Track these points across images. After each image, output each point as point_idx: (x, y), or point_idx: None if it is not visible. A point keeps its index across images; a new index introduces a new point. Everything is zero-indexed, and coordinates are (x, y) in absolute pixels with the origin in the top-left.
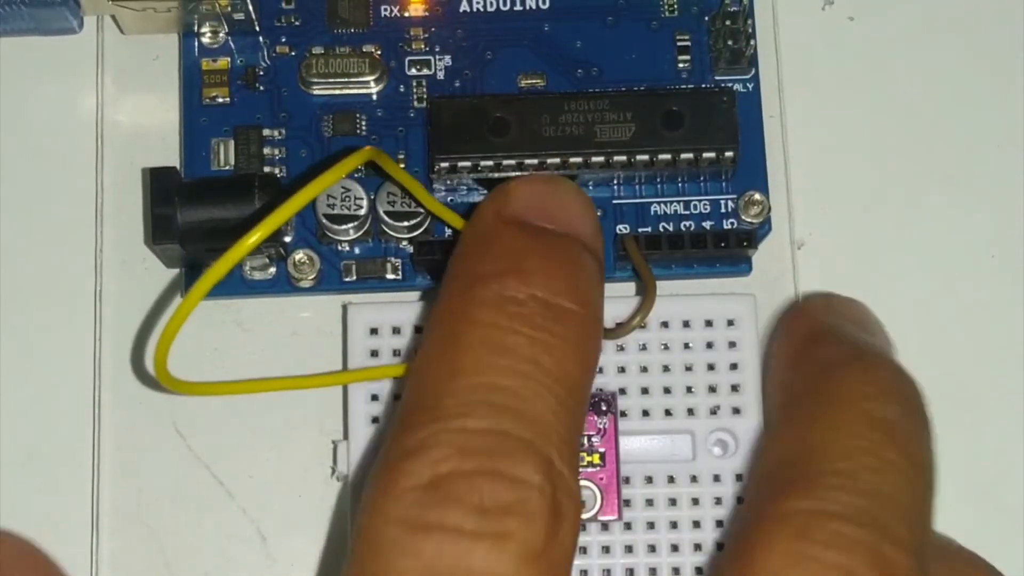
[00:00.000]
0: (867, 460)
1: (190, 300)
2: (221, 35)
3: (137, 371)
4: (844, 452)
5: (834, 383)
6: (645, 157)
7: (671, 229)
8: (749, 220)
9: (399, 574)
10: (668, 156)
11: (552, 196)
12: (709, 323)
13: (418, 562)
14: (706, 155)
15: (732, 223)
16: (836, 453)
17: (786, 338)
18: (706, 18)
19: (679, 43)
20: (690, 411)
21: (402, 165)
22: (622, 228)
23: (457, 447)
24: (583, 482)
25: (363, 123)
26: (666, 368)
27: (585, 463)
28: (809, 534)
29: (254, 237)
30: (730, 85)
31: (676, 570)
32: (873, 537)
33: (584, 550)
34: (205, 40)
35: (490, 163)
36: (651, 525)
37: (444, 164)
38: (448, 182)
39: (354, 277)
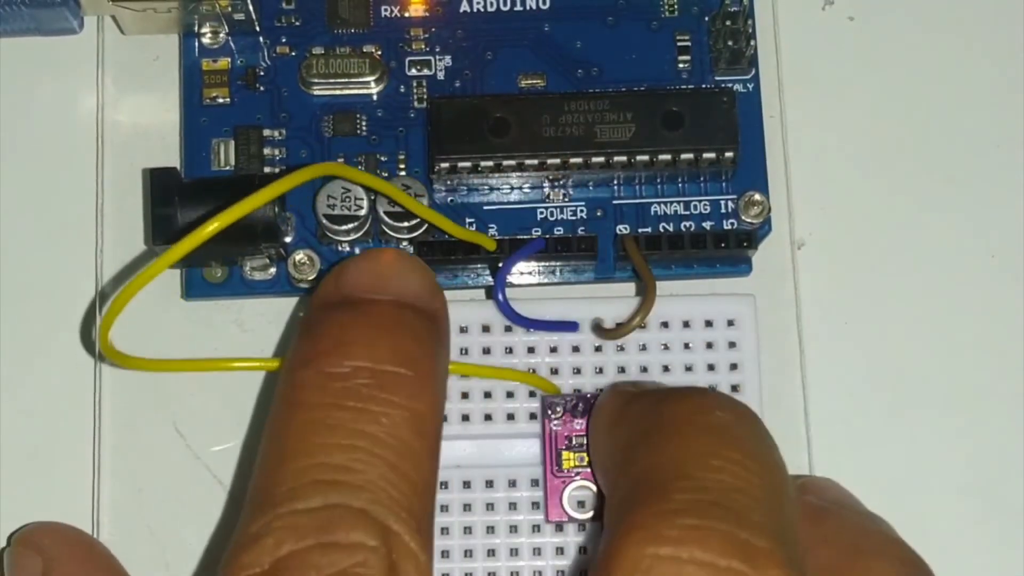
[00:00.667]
0: (711, 462)
1: (144, 276)
2: (221, 35)
3: (137, 371)
4: (685, 460)
5: (665, 408)
6: (645, 157)
7: (671, 229)
8: (749, 220)
9: None
10: (668, 156)
11: (376, 267)
12: (709, 323)
13: None
14: (706, 155)
15: (732, 223)
16: (678, 463)
17: (601, 414)
18: (706, 18)
19: (679, 43)
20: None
21: (402, 165)
22: (622, 228)
23: (291, 529)
24: (584, 482)
25: (363, 123)
26: (666, 368)
27: (585, 463)
28: (659, 535)
29: (212, 226)
30: (730, 85)
31: None
32: (726, 525)
33: (583, 550)
34: (205, 40)
35: (490, 163)
36: None
37: (444, 164)
38: (448, 182)
39: None
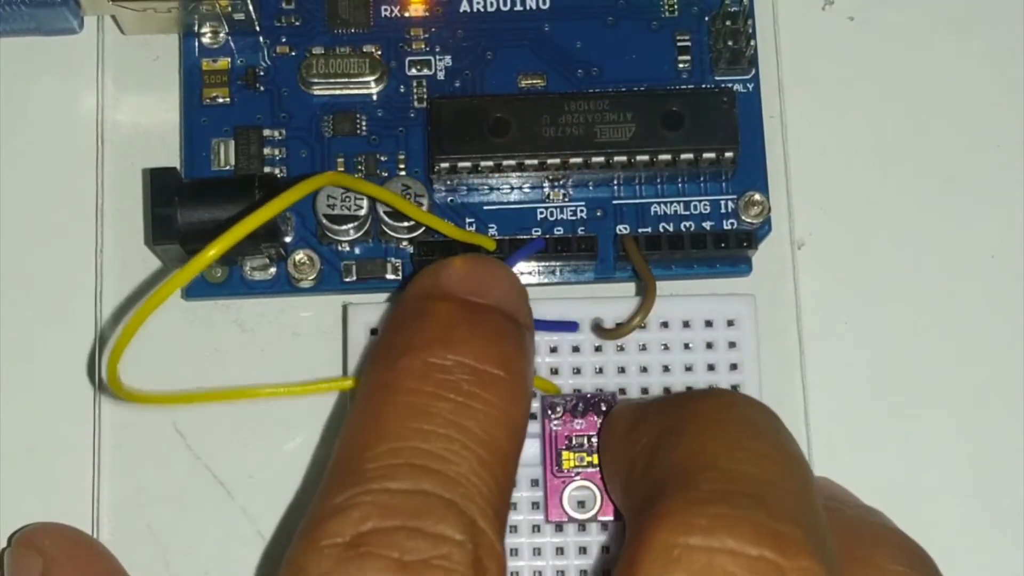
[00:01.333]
0: (737, 453)
1: (145, 308)
2: (221, 35)
3: (137, 371)
4: (712, 452)
5: (687, 407)
6: (645, 157)
7: (671, 229)
8: (749, 220)
9: None
10: (668, 156)
11: (478, 272)
12: (709, 323)
13: None
14: (706, 155)
15: (732, 223)
16: (705, 455)
17: (616, 422)
18: (706, 18)
19: (679, 43)
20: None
21: (402, 165)
22: (622, 228)
23: (379, 507)
24: (584, 482)
25: (363, 123)
26: (666, 368)
27: (585, 463)
28: (689, 523)
29: (212, 251)
30: (730, 85)
31: None
32: (757, 514)
33: (583, 550)
34: (205, 40)
35: (490, 163)
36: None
37: (444, 164)
38: (448, 182)
39: (354, 277)
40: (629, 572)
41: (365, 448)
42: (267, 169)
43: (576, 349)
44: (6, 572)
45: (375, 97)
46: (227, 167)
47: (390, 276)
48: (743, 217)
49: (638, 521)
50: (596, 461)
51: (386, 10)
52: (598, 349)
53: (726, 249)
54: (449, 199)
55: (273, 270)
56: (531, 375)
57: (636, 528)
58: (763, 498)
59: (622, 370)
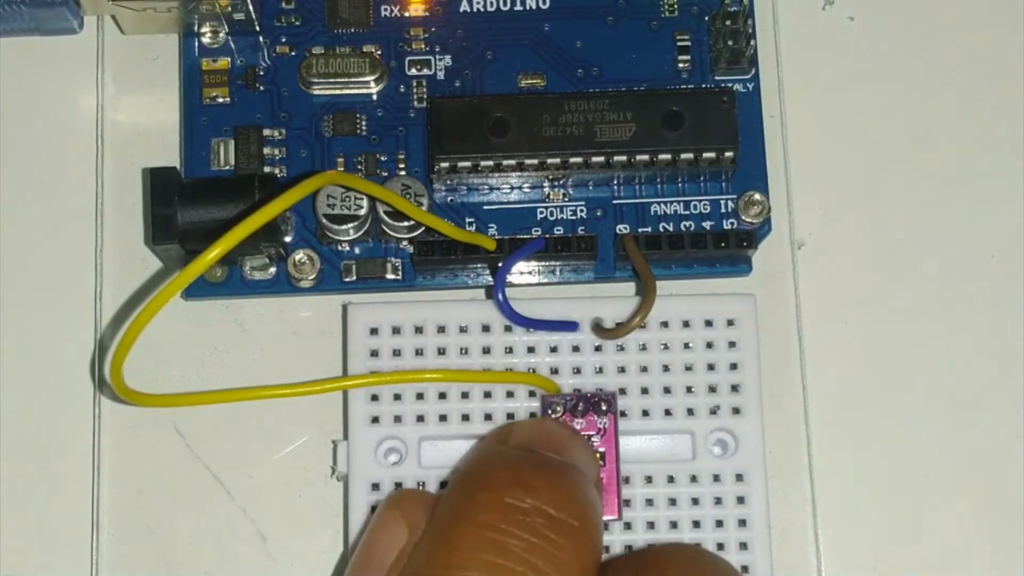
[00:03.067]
0: None
1: (149, 310)
2: (221, 35)
3: (137, 371)
4: None
5: (654, 554)
6: (645, 157)
7: (671, 229)
8: (749, 220)
9: None
10: (668, 156)
11: (553, 431)
12: (709, 323)
13: None
14: (706, 155)
15: (732, 223)
16: None
17: None
18: (706, 18)
19: (679, 43)
20: (690, 411)
21: (402, 165)
22: (622, 228)
23: None
24: None
25: (363, 123)
26: (666, 368)
27: None
28: None
29: (213, 253)
30: (730, 85)
31: None
32: None
33: None
34: (205, 40)
35: (490, 163)
36: (651, 525)
37: (444, 164)
38: (448, 182)
39: (354, 277)
40: None
41: (434, 570)
42: (267, 169)
43: (576, 349)
44: (369, 525)
45: (375, 97)
46: (227, 167)
47: (390, 276)
48: (743, 217)
49: None
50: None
51: (386, 10)
52: (598, 349)
53: (726, 249)
54: (449, 199)
55: (273, 270)
56: (602, 528)
57: None
58: None
59: (622, 370)
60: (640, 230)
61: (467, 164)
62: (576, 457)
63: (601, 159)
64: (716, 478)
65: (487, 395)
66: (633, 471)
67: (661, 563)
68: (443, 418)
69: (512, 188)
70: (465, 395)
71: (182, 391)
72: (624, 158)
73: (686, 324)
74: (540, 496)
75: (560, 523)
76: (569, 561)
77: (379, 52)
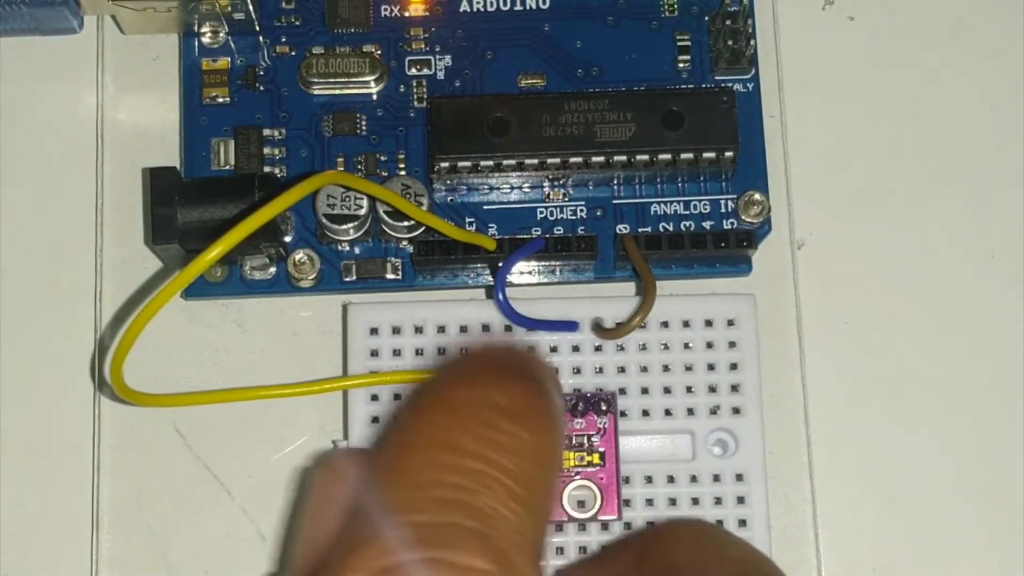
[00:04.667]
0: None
1: (148, 310)
2: (221, 35)
3: (137, 371)
4: (701, 552)
5: (659, 530)
6: (645, 157)
7: (671, 229)
8: (749, 220)
9: None
10: (668, 156)
11: (505, 347)
12: (709, 323)
13: None
14: (706, 155)
15: (732, 223)
16: (692, 557)
17: None
18: (706, 18)
19: (679, 43)
20: (690, 411)
21: (402, 165)
22: (622, 228)
23: (402, 540)
24: (584, 482)
25: (363, 123)
26: (666, 368)
27: (585, 463)
28: None
29: (213, 253)
30: (730, 85)
31: None
32: None
33: (584, 550)
34: (205, 40)
35: (490, 163)
36: (651, 525)
37: (444, 164)
38: (448, 182)
39: (354, 277)
40: None
41: (388, 483)
42: (267, 169)
43: (576, 349)
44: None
45: (375, 97)
46: (227, 167)
47: (390, 276)
48: (743, 217)
49: None
50: (596, 461)
51: (386, 10)
52: (598, 349)
53: (726, 249)
54: (449, 199)
55: (273, 270)
56: (562, 414)
57: None
58: None
59: (622, 370)
60: (640, 230)
61: (467, 164)
62: (528, 358)
63: (601, 159)
64: (716, 478)
65: None
66: (633, 471)
67: (664, 539)
68: None
69: (512, 188)
70: None
71: (182, 391)
72: (624, 158)
73: (686, 324)
74: (489, 387)
75: (512, 411)
76: (525, 448)
77: (379, 52)
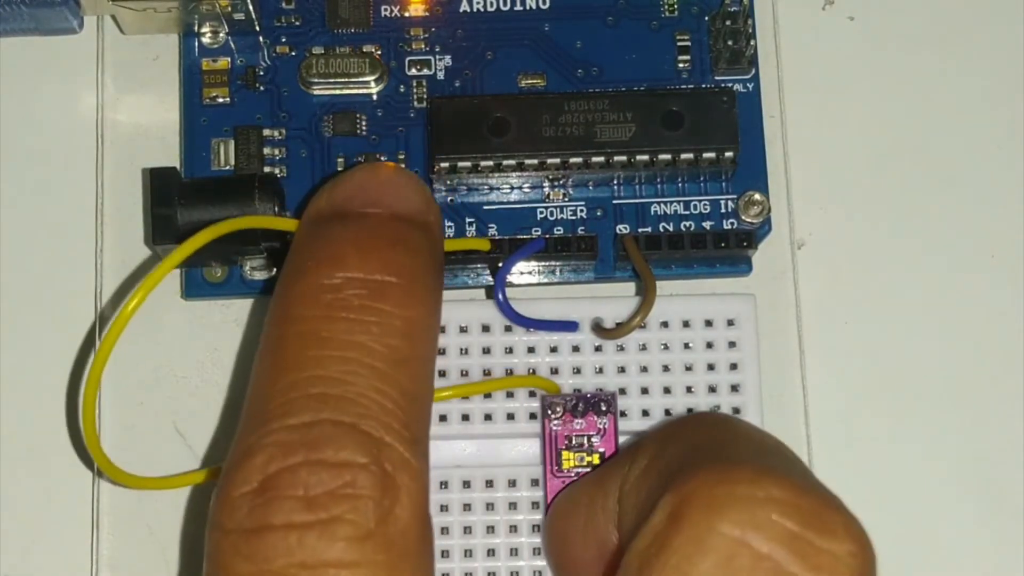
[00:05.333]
0: (745, 445)
1: (105, 347)
2: (221, 35)
3: (137, 371)
4: (720, 443)
5: (674, 425)
6: (645, 157)
7: (671, 229)
8: (749, 220)
9: None
10: (668, 156)
11: (373, 181)
12: (709, 323)
13: (255, 565)
14: (706, 155)
15: (732, 223)
16: (712, 447)
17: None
18: (706, 18)
19: (679, 43)
20: (690, 411)
21: (402, 165)
22: (622, 228)
23: (281, 446)
24: None
25: (363, 123)
26: (666, 368)
27: (585, 463)
28: (723, 500)
29: (132, 303)
30: (730, 85)
31: None
32: (789, 493)
33: None
34: (205, 40)
35: (490, 163)
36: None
37: (444, 164)
38: (448, 182)
39: None
40: (656, 555)
41: (265, 387)
42: (267, 169)
43: (576, 349)
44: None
45: (375, 97)
46: (227, 167)
47: None
48: (743, 217)
49: (645, 513)
50: (596, 461)
51: (386, 10)
52: (598, 349)
53: (726, 249)
54: (449, 199)
55: (273, 270)
56: (434, 272)
57: (652, 516)
58: (793, 478)
59: (622, 370)
60: (640, 230)
61: (467, 164)
62: (391, 201)
63: (601, 159)
64: None
65: (487, 395)
66: None
67: (683, 424)
68: (443, 418)
69: (512, 188)
70: (465, 395)
71: (181, 390)
72: (624, 158)
73: (686, 324)
74: (350, 265)
75: (374, 286)
76: (394, 324)
77: (379, 52)
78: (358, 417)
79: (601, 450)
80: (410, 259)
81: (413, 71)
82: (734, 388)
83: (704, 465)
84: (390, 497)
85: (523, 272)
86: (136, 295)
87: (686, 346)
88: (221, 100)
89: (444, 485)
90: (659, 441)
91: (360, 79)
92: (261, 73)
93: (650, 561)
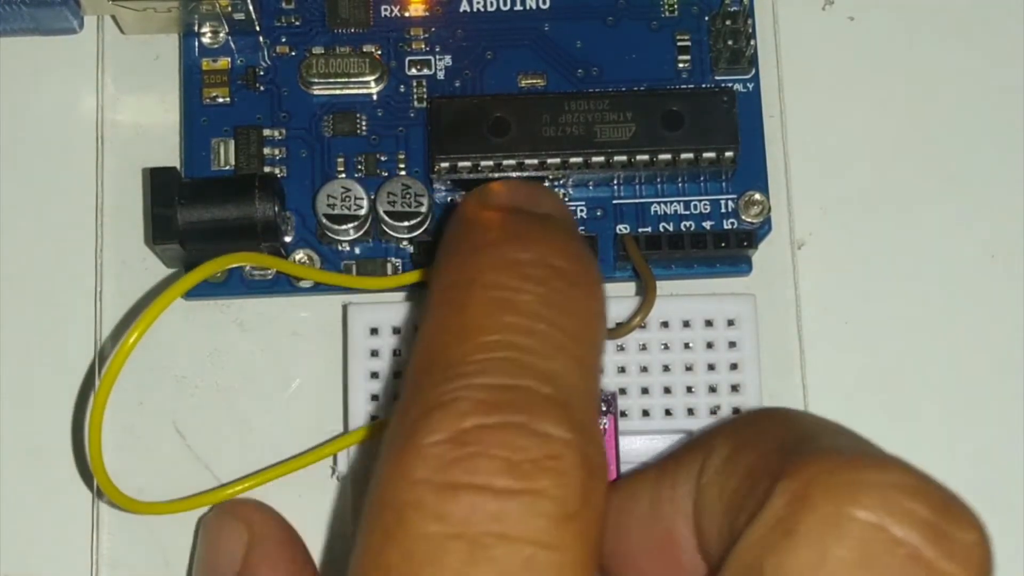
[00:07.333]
0: (838, 432)
1: (106, 383)
2: (221, 35)
3: (137, 371)
4: (818, 430)
5: (752, 415)
6: (645, 157)
7: (671, 229)
8: (749, 220)
9: (427, 540)
10: (668, 156)
11: (531, 190)
12: (709, 323)
13: (447, 526)
14: (706, 155)
15: (732, 223)
16: (812, 433)
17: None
18: (706, 18)
19: (679, 43)
20: (690, 411)
21: (402, 165)
22: (622, 228)
23: (479, 402)
24: None
25: (363, 123)
26: (666, 368)
27: None
28: (852, 484)
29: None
30: (730, 85)
31: None
32: (911, 479)
33: None
34: (205, 40)
35: (490, 163)
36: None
37: (444, 164)
38: (448, 182)
39: None
40: (783, 543)
41: (453, 344)
42: (267, 169)
43: None
44: (204, 538)
45: (375, 97)
46: (227, 167)
47: (390, 276)
48: (743, 217)
49: (751, 502)
50: None
51: (386, 10)
52: None
53: (726, 249)
54: (449, 199)
55: (273, 270)
56: (602, 275)
57: (763, 506)
58: (905, 467)
59: (622, 370)
60: (640, 230)
61: (467, 164)
62: (551, 205)
63: (601, 159)
64: None
65: None
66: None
67: (752, 423)
68: None
69: None
70: None
71: (181, 390)
72: (624, 158)
73: (686, 324)
74: (539, 248)
75: (565, 271)
76: (583, 311)
77: (379, 52)
78: (559, 392)
79: None
80: (587, 256)
81: (413, 71)
82: (734, 388)
83: (821, 452)
84: (592, 481)
85: None
86: (137, 328)
87: (686, 346)
88: (221, 100)
89: None
90: (735, 434)
91: (360, 79)
92: (261, 73)
93: (775, 548)
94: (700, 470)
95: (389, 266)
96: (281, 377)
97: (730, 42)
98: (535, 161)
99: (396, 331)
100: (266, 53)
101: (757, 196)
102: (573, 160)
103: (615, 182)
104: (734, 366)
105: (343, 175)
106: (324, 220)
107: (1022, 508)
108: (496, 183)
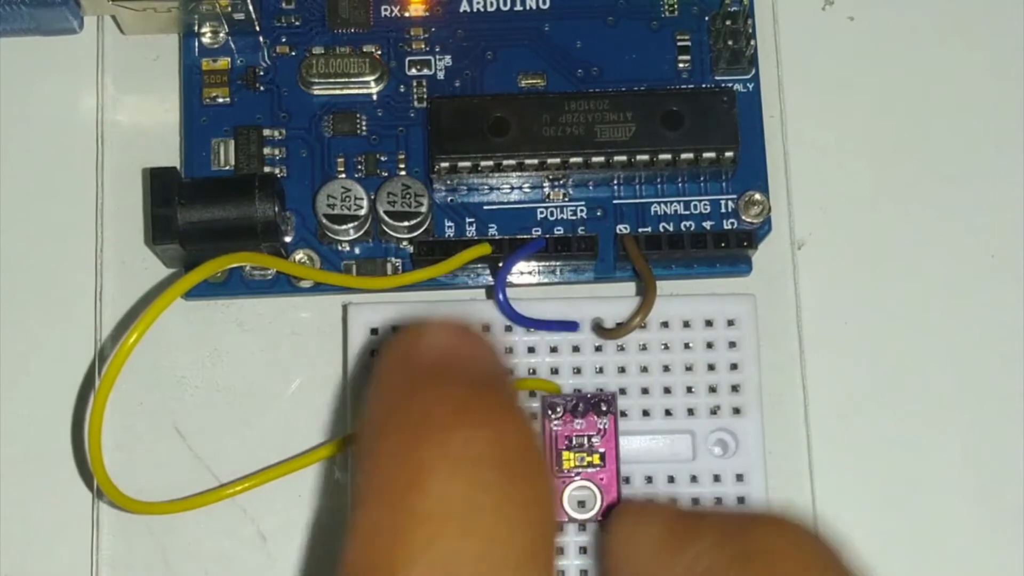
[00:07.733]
0: None
1: (106, 383)
2: (221, 35)
3: (137, 371)
4: None
5: (755, 535)
6: (645, 157)
7: (671, 229)
8: (749, 220)
9: None
10: (668, 156)
11: (455, 346)
12: (709, 323)
13: None
14: (706, 155)
15: (732, 223)
16: None
17: (641, 527)
18: (706, 18)
19: (679, 43)
20: (690, 411)
21: (402, 165)
22: (622, 228)
23: None
24: (584, 482)
25: (363, 123)
26: (666, 368)
27: (585, 463)
28: None
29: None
30: (730, 85)
31: None
32: None
33: (583, 550)
34: (205, 40)
35: (490, 163)
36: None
37: (444, 164)
38: (448, 182)
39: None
40: None
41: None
42: (267, 169)
43: (576, 349)
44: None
45: (375, 97)
46: (227, 167)
47: (390, 276)
48: (743, 217)
49: None
50: (596, 461)
51: (386, 10)
52: (598, 349)
53: (726, 249)
54: (449, 199)
55: (273, 270)
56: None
57: None
58: None
59: (622, 370)
60: (640, 230)
61: (467, 164)
62: (485, 365)
63: (601, 159)
64: (716, 478)
65: None
66: (633, 471)
67: (764, 545)
68: None
69: (512, 188)
70: None
71: (181, 390)
72: (624, 158)
73: (686, 324)
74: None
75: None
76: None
77: (379, 52)
78: None
79: (601, 450)
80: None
81: (413, 71)
82: (734, 388)
83: None
84: None
85: (523, 272)
86: (137, 328)
87: (686, 346)
88: (221, 100)
89: None
90: (723, 557)
91: (360, 79)
92: (261, 73)
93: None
94: (685, 556)
95: (389, 266)
96: (281, 377)
97: (730, 42)
98: (535, 161)
99: (396, 331)
100: (266, 53)
101: (757, 196)
102: (573, 160)
103: (615, 182)
104: (734, 366)
105: (343, 175)
106: (324, 220)
107: (1022, 508)
108: (416, 337)
